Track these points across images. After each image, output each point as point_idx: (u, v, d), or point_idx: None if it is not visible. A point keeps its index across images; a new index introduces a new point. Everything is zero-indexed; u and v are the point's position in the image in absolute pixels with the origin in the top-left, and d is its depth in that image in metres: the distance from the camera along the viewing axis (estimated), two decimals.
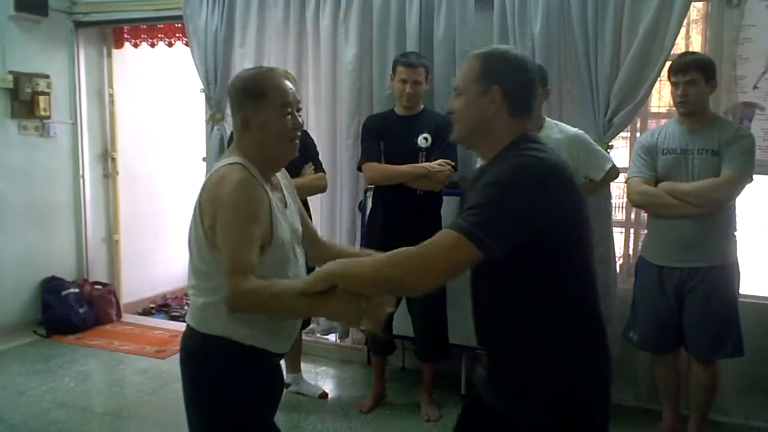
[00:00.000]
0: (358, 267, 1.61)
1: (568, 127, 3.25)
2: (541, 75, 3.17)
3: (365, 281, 1.59)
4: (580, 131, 3.25)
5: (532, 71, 1.70)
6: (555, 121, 3.27)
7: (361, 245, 3.93)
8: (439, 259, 1.53)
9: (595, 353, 1.66)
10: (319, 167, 3.63)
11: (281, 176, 2.03)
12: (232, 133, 3.58)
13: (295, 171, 3.51)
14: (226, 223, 1.74)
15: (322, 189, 3.65)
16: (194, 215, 1.84)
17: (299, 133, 1.92)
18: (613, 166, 3.26)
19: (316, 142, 3.88)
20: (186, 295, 5.84)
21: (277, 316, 1.84)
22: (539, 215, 1.52)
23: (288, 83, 1.89)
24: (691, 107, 2.95)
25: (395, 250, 1.57)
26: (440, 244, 1.53)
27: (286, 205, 1.96)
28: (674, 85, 2.98)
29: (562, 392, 1.60)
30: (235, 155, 1.87)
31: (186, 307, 5.58)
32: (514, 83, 1.65)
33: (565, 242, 1.57)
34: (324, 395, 3.83)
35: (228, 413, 1.84)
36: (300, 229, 2.02)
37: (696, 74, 2.90)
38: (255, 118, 1.84)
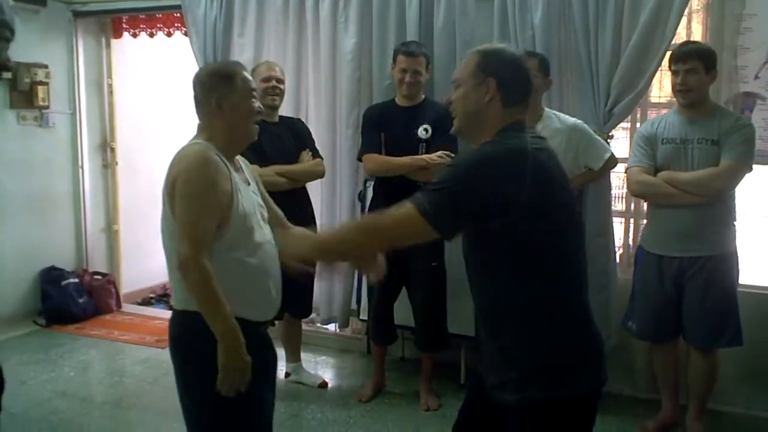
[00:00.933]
0: (329, 237, 1.82)
1: (566, 117, 3.27)
2: (543, 65, 3.19)
3: (335, 247, 1.79)
4: (579, 121, 3.26)
5: (527, 68, 1.80)
6: (554, 111, 3.27)
7: None
8: (394, 229, 1.67)
9: (572, 326, 1.70)
10: (316, 153, 3.64)
11: (242, 161, 2.15)
12: None
13: (292, 160, 3.51)
14: (184, 194, 1.85)
15: (320, 174, 3.66)
16: (162, 197, 1.93)
17: (259, 117, 2.07)
18: (612, 155, 3.29)
19: (315, 131, 3.88)
20: None
21: (201, 304, 1.88)
22: (486, 194, 1.59)
23: (246, 71, 2.08)
24: (691, 96, 2.94)
25: (363, 218, 1.71)
26: (396, 216, 1.64)
27: (248, 184, 2.06)
28: (674, 73, 2.98)
29: (535, 369, 1.67)
30: (199, 137, 1.99)
31: None
32: (508, 75, 1.74)
33: (528, 219, 1.60)
34: (324, 384, 3.84)
35: (212, 388, 1.89)
36: (263, 205, 2.11)
37: (696, 63, 2.90)
38: (228, 99, 1.97)
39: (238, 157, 2.13)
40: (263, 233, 2.03)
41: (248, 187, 2.04)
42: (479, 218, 1.61)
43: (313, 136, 3.77)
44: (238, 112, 1.99)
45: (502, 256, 1.66)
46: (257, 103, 2.04)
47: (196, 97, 2.03)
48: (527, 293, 1.65)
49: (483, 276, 1.75)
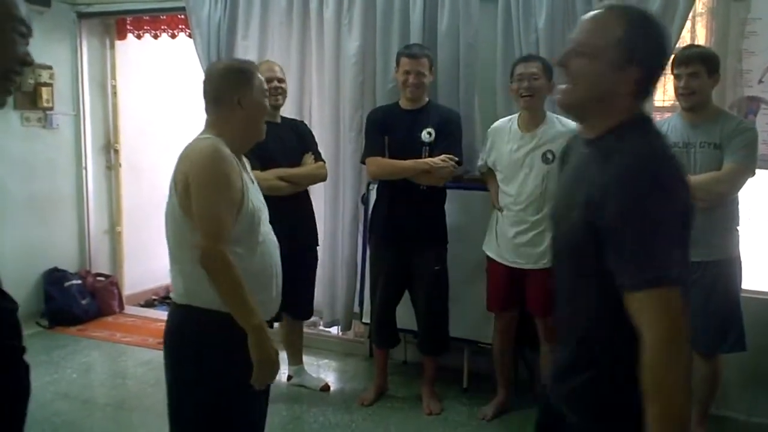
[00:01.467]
0: None
1: (569, 120, 3.25)
2: (547, 68, 3.21)
3: None
4: None
5: (670, 50, 1.51)
6: (556, 116, 3.27)
7: (364, 238, 3.94)
8: (681, 329, 1.28)
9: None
10: (318, 157, 3.63)
11: (245, 160, 2.14)
12: None
13: (295, 161, 3.50)
14: (202, 187, 1.84)
15: (322, 178, 3.65)
16: (169, 191, 1.93)
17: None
18: None
19: (319, 134, 3.88)
20: None
21: (227, 298, 1.86)
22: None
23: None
24: (693, 100, 2.93)
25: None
26: (669, 312, 1.28)
27: (252, 182, 2.07)
28: (677, 77, 2.97)
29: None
30: (208, 132, 1.98)
31: None
32: (653, 68, 1.44)
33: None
34: (326, 388, 3.83)
35: (216, 384, 1.89)
36: (264, 203, 2.11)
37: (699, 67, 2.89)
38: (248, 97, 1.99)
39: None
40: (267, 231, 2.05)
41: (253, 185, 2.05)
42: None
43: (317, 138, 3.76)
44: (256, 110, 2.02)
45: None
46: (269, 101, 2.11)
47: (209, 93, 2.03)
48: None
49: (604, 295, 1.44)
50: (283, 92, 3.57)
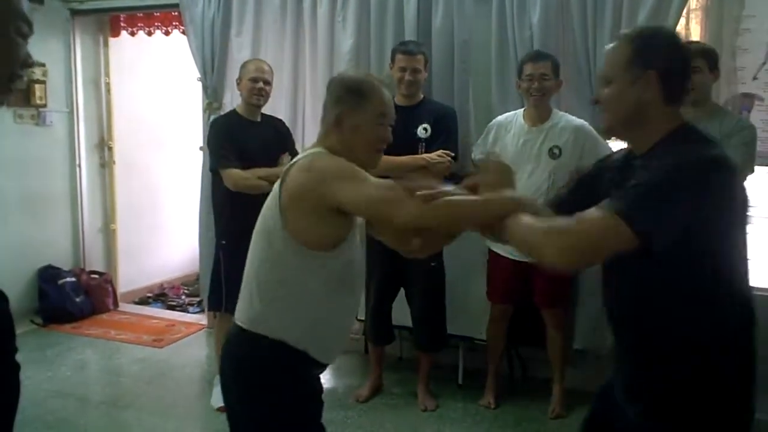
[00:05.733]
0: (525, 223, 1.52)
1: (573, 117, 3.33)
2: (555, 66, 3.26)
3: (517, 236, 1.54)
4: (585, 123, 3.30)
5: (689, 51, 1.59)
6: (561, 112, 3.33)
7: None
8: (587, 239, 1.40)
9: (746, 354, 1.55)
10: (294, 156, 3.61)
11: None
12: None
13: (270, 162, 3.40)
14: (348, 181, 1.68)
15: None
16: (270, 206, 1.78)
17: (385, 146, 1.90)
18: None
19: (313, 131, 3.87)
20: (183, 284, 5.84)
21: (454, 222, 1.70)
22: (705, 208, 1.40)
23: (388, 93, 1.88)
24: (695, 95, 2.93)
25: (551, 219, 1.50)
26: (591, 223, 1.39)
27: None
28: None
29: (709, 400, 1.50)
30: (318, 147, 1.84)
31: (183, 297, 5.59)
32: (671, 66, 1.51)
33: (723, 240, 1.48)
34: None
35: (283, 417, 1.80)
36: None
37: (700, 62, 2.89)
38: (350, 118, 1.81)
39: None
40: (360, 249, 1.89)
41: None
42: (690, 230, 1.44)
43: (310, 135, 3.76)
44: (357, 135, 1.82)
45: (686, 273, 1.49)
46: (383, 132, 1.86)
47: (324, 103, 1.90)
48: (709, 313, 1.51)
49: (655, 295, 1.54)
50: (266, 95, 3.54)
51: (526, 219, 1.52)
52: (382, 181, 1.70)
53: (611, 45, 1.59)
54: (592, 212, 1.40)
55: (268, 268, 1.80)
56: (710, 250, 1.45)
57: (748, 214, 1.51)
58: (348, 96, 1.83)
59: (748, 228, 1.53)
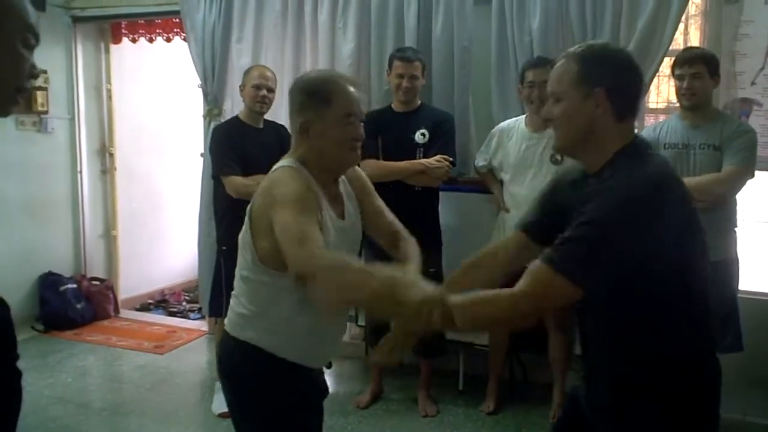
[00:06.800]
0: (474, 304, 1.51)
1: None
2: None
3: (468, 319, 1.50)
4: None
5: (637, 66, 1.59)
6: None
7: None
8: (533, 297, 1.44)
9: (706, 373, 1.59)
10: None
11: (343, 187, 1.92)
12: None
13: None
14: (284, 207, 1.62)
15: None
16: (246, 221, 1.79)
17: (360, 143, 1.83)
18: None
19: None
20: (184, 291, 5.85)
21: (341, 296, 1.57)
22: (645, 249, 1.42)
23: (353, 90, 1.81)
24: (697, 100, 2.95)
25: (488, 292, 1.51)
26: (535, 281, 1.43)
27: (344, 218, 1.87)
28: (678, 77, 2.97)
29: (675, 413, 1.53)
30: (289, 159, 1.81)
31: (184, 303, 5.59)
32: (619, 83, 1.53)
33: (673, 266, 1.50)
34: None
35: (264, 418, 1.83)
36: (358, 241, 1.95)
37: (701, 67, 2.90)
38: (315, 125, 1.76)
39: (345, 179, 1.93)
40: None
41: (341, 222, 1.84)
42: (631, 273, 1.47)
43: None
44: (326, 140, 1.76)
45: (638, 305, 1.54)
46: (353, 130, 1.79)
47: (289, 111, 1.86)
48: (665, 335, 1.57)
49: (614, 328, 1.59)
50: (269, 102, 3.56)
51: (467, 299, 1.51)
52: (306, 220, 1.60)
53: (559, 62, 1.59)
54: (534, 271, 1.43)
55: (246, 279, 1.82)
56: (667, 275, 1.48)
57: (698, 226, 1.58)
58: (309, 101, 1.77)
59: (704, 246, 1.63)
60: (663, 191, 1.44)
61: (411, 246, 1.95)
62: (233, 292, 1.88)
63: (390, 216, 2.04)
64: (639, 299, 1.48)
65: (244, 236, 1.79)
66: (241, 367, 1.84)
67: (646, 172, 1.46)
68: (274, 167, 1.81)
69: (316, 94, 1.77)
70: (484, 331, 1.58)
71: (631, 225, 1.39)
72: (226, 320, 1.89)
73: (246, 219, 1.78)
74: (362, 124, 1.83)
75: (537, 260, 1.45)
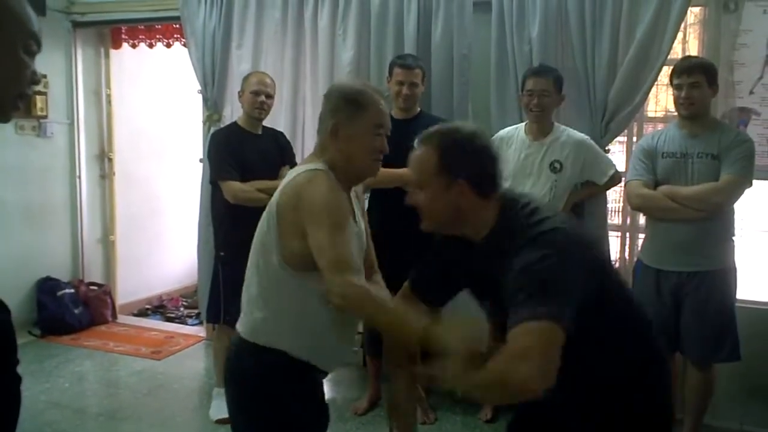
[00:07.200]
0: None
1: (575, 132, 3.35)
2: (557, 82, 3.28)
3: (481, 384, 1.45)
4: (587, 136, 3.34)
5: (489, 147, 1.64)
6: (563, 126, 3.35)
7: None
8: (541, 356, 1.36)
9: (656, 395, 1.63)
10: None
11: (354, 195, 1.99)
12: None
13: (276, 171, 3.43)
14: (321, 223, 1.68)
15: None
16: (267, 218, 1.80)
17: (382, 156, 1.91)
18: (616, 171, 3.36)
19: (313, 143, 3.86)
20: (182, 296, 5.84)
21: (381, 327, 1.76)
22: (587, 278, 1.47)
23: (385, 105, 1.90)
24: (695, 109, 2.95)
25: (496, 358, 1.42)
26: (536, 340, 1.37)
27: (356, 222, 1.93)
28: (677, 87, 2.98)
29: None
30: (317, 162, 1.84)
31: (182, 309, 5.58)
32: (478, 170, 1.59)
33: (605, 297, 1.52)
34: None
35: (278, 423, 1.82)
36: (365, 247, 1.99)
37: (700, 77, 2.91)
38: (346, 128, 1.83)
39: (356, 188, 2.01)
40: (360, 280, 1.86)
41: (354, 227, 1.89)
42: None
43: (312, 147, 3.76)
44: (353, 144, 1.83)
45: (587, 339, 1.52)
46: (380, 142, 1.88)
47: (320, 113, 1.92)
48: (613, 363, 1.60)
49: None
50: (268, 108, 3.55)
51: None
52: (342, 240, 1.68)
53: (417, 150, 1.65)
54: (529, 331, 1.37)
55: (266, 281, 1.82)
56: (605, 314, 1.50)
57: (607, 260, 1.64)
58: (345, 106, 1.84)
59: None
60: (567, 232, 1.50)
61: (380, 280, 2.05)
62: (247, 297, 1.87)
63: (371, 242, 2.08)
64: (590, 324, 1.47)
65: (266, 237, 1.80)
66: (258, 372, 1.82)
67: (542, 225, 1.50)
68: (303, 167, 1.84)
69: (352, 101, 1.84)
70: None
71: (567, 261, 1.44)
72: (239, 326, 1.88)
73: (268, 219, 1.80)
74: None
75: (513, 331, 1.39)
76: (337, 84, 1.99)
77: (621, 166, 3.52)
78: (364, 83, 2.11)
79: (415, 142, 1.74)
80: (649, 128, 3.74)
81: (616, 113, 3.46)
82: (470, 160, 1.59)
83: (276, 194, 1.81)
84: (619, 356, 1.57)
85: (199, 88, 4.47)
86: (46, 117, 4.92)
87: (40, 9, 4.75)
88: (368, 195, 3.66)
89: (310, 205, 1.71)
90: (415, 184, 1.64)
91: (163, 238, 5.84)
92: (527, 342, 1.36)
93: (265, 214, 1.83)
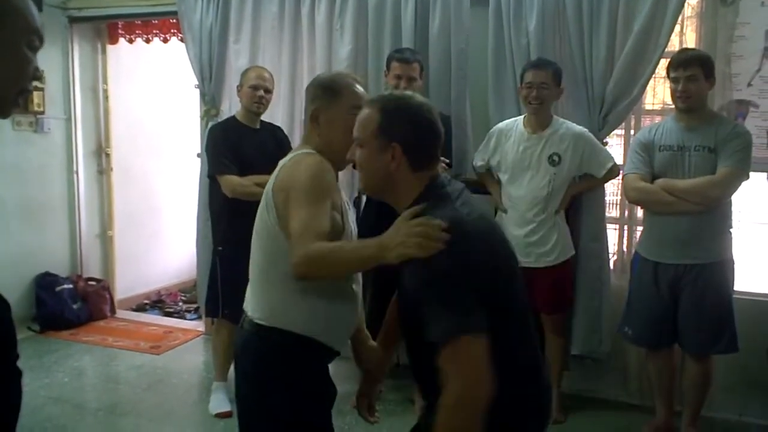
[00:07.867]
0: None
1: (574, 125, 3.35)
2: (556, 75, 3.28)
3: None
4: (585, 129, 3.34)
5: (433, 121, 1.65)
6: (562, 119, 3.35)
7: None
8: (465, 382, 1.38)
9: (530, 388, 1.64)
10: None
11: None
12: None
13: (269, 169, 3.44)
14: (298, 194, 1.74)
15: None
16: (265, 204, 1.86)
17: None
18: (615, 164, 3.36)
19: None
20: (181, 291, 5.84)
21: (338, 271, 1.76)
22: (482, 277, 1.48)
23: (361, 88, 1.95)
24: (692, 102, 2.96)
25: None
26: (468, 358, 1.38)
27: (342, 200, 1.97)
28: (673, 80, 2.98)
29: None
30: (307, 147, 1.92)
31: (180, 304, 5.58)
32: (414, 139, 1.61)
33: (492, 293, 1.49)
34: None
35: (296, 412, 1.85)
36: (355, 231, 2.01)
37: (697, 70, 2.91)
38: (325, 113, 1.90)
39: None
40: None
41: (349, 210, 1.97)
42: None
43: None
44: (333, 128, 1.88)
45: None
46: None
47: (304, 106, 2.02)
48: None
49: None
50: (266, 103, 3.55)
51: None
52: (320, 217, 1.72)
53: (365, 110, 1.68)
54: (458, 349, 1.38)
55: (271, 263, 1.85)
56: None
57: (505, 256, 1.61)
58: (323, 93, 1.92)
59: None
60: (464, 227, 1.49)
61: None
62: (254, 283, 1.91)
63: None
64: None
65: (267, 222, 1.84)
66: (272, 355, 1.85)
67: (446, 215, 1.50)
68: (292, 154, 1.92)
69: (327, 87, 1.93)
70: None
71: (457, 262, 1.43)
72: (250, 312, 1.90)
73: (266, 203, 1.85)
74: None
75: (439, 361, 1.39)
76: (314, 77, 2.08)
77: (619, 159, 3.52)
78: (338, 71, 2.21)
79: (363, 102, 1.81)
80: (646, 121, 3.75)
81: (613, 106, 3.46)
82: (409, 128, 1.62)
83: (270, 181, 1.88)
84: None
85: (197, 83, 4.46)
86: (43, 113, 4.91)
87: (37, 4, 4.72)
88: (364, 201, 3.67)
89: (296, 182, 1.77)
90: (357, 141, 1.69)
91: (161, 233, 5.83)
92: (452, 371, 1.38)
93: (262, 201, 1.88)
